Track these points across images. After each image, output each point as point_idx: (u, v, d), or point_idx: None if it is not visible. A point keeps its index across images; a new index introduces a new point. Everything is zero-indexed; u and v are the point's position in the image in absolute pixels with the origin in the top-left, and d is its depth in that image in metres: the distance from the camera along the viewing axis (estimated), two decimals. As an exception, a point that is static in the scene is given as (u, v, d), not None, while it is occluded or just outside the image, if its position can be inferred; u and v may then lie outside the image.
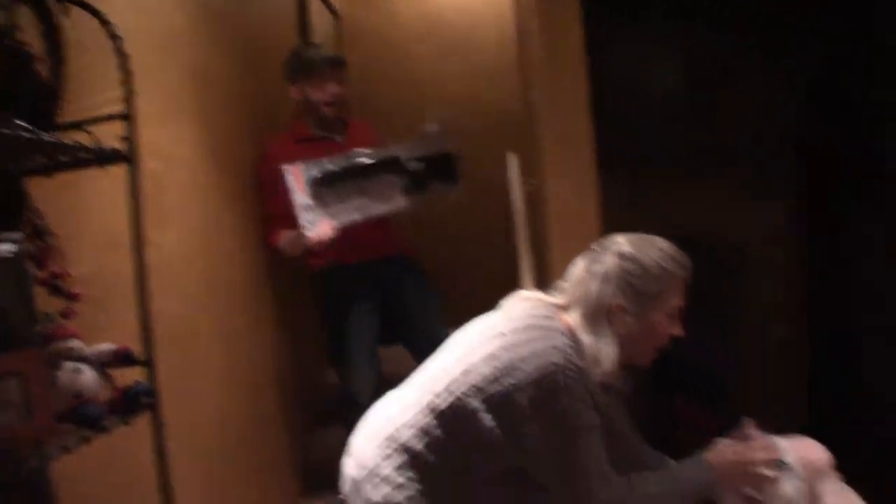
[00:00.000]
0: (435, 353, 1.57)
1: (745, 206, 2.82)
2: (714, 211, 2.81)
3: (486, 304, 1.59)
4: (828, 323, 2.84)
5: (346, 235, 2.39)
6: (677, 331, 1.51)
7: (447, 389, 1.44)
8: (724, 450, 1.49)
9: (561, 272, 1.89)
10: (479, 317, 1.57)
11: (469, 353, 1.46)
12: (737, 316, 2.89)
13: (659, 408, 2.45)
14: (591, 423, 1.41)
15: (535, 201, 2.38)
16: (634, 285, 1.44)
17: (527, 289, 1.67)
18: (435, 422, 1.45)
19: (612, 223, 2.60)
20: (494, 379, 1.39)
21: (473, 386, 1.42)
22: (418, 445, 1.45)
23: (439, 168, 2.42)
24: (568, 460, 1.40)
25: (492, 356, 1.41)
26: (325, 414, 2.96)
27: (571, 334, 1.45)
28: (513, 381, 1.38)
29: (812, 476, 1.45)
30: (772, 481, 1.43)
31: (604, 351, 1.43)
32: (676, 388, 2.67)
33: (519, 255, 2.49)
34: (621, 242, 1.48)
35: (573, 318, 1.47)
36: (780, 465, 1.44)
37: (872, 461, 2.15)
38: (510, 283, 2.49)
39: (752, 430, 1.52)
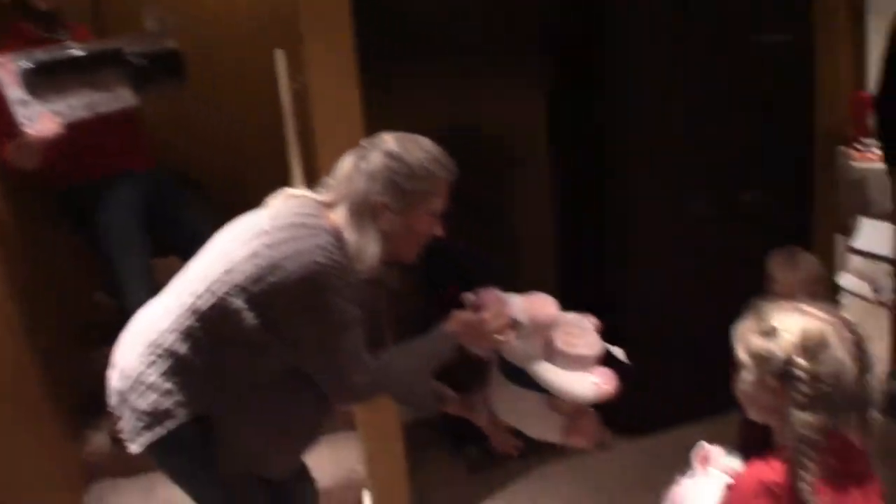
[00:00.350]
0: (197, 255, 1.53)
1: (504, 101, 3.01)
2: (474, 106, 2.97)
3: (258, 207, 1.56)
4: (580, 216, 3.18)
5: (90, 147, 2.29)
6: (439, 230, 1.57)
7: (209, 290, 1.42)
8: (458, 317, 1.58)
9: (327, 170, 1.92)
10: (243, 216, 1.54)
11: (231, 252, 1.43)
12: (498, 209, 3.14)
13: (434, 301, 2.61)
14: (353, 318, 1.46)
15: (302, 99, 2.36)
16: (399, 184, 1.46)
17: (295, 187, 1.65)
18: (198, 324, 1.43)
19: (376, 120, 2.67)
20: (258, 278, 1.38)
21: (236, 285, 1.40)
22: (182, 349, 1.44)
23: (164, 64, 2.39)
24: (330, 353, 1.45)
25: (254, 254, 1.39)
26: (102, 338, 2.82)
27: (336, 232, 1.46)
28: (275, 280, 1.37)
29: (542, 328, 1.60)
30: (505, 338, 1.58)
31: (367, 248, 1.45)
32: (447, 280, 2.87)
33: (289, 155, 2.47)
34: (388, 141, 1.49)
35: (338, 216, 1.48)
36: (513, 323, 1.58)
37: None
38: (282, 185, 2.50)
39: (488, 295, 1.64)
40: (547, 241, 3.28)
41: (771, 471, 1.17)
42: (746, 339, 1.20)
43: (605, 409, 3.08)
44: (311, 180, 2.19)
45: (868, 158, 4.74)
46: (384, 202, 1.47)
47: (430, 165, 1.50)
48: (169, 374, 1.45)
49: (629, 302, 2.84)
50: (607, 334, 1.68)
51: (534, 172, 3.16)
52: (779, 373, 1.14)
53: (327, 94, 1.91)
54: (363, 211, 1.47)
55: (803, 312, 1.16)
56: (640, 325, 2.82)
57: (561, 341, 1.61)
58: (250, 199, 1.55)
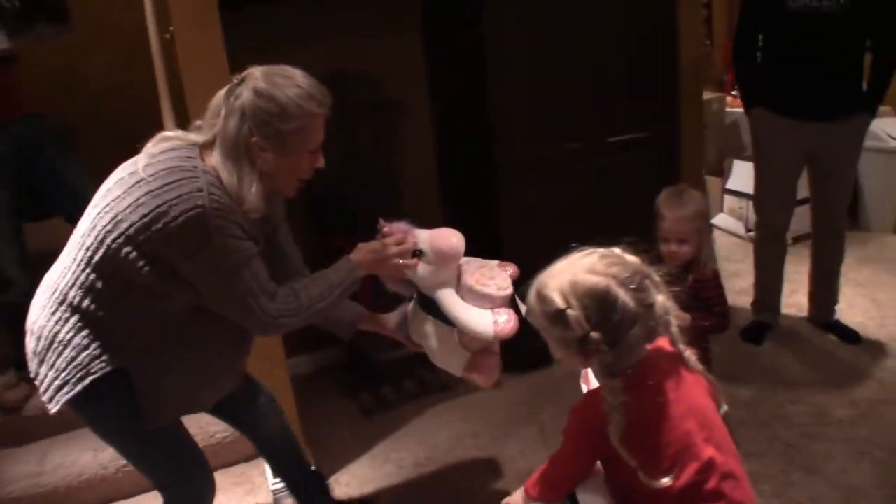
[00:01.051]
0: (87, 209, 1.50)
1: (381, 43, 3.00)
2: (351, 49, 2.94)
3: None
4: (461, 158, 3.23)
5: None
6: (320, 163, 1.55)
7: (99, 241, 1.41)
8: (364, 247, 1.65)
9: (196, 116, 1.89)
10: (123, 163, 1.50)
11: (116, 200, 1.41)
12: (380, 152, 3.15)
13: (323, 247, 2.62)
14: (248, 254, 1.45)
15: (170, 47, 2.28)
16: (271, 123, 1.42)
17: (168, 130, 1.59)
18: (94, 276, 1.42)
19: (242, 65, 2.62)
20: (144, 227, 1.37)
21: (124, 235, 1.38)
22: (86, 303, 1.43)
23: (43, 8, 2.25)
24: (235, 290, 1.45)
25: (138, 204, 1.37)
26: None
27: (215, 172, 1.44)
28: (160, 227, 1.36)
29: (446, 259, 1.66)
30: (409, 267, 1.65)
31: (246, 189, 1.43)
32: (336, 228, 2.90)
33: (160, 103, 2.40)
34: (257, 78, 1.43)
35: (215, 157, 1.45)
36: (417, 253, 1.65)
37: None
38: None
39: (394, 227, 1.71)
40: (431, 183, 3.33)
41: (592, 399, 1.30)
42: (533, 309, 1.29)
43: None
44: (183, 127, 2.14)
45: (739, 104, 5.02)
46: (257, 142, 1.43)
47: (303, 102, 1.44)
48: (80, 329, 1.44)
49: (508, 242, 2.92)
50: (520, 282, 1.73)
51: (414, 114, 3.18)
52: (558, 321, 1.24)
53: (191, 40, 1.87)
54: (238, 151, 1.43)
55: (570, 271, 1.27)
56: (519, 266, 2.92)
57: (473, 279, 1.68)
58: (130, 152, 1.50)
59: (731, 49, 3.05)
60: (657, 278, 1.27)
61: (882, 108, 4.38)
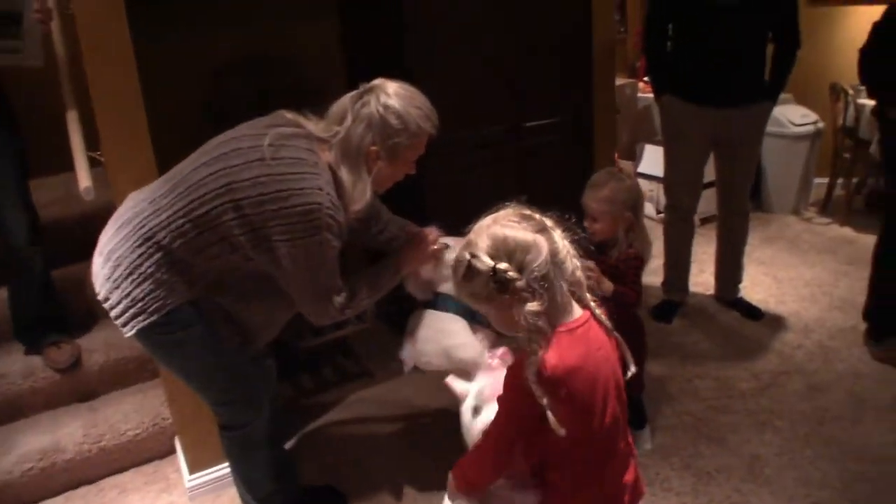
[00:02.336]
0: (193, 160, 1.60)
1: (296, 27, 2.93)
2: (265, 33, 2.87)
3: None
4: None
5: None
6: (412, 171, 1.75)
7: (206, 199, 1.52)
8: (404, 249, 1.93)
9: (100, 103, 1.81)
10: (240, 128, 1.63)
11: (234, 170, 1.52)
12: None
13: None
14: (336, 252, 1.61)
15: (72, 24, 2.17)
16: (393, 137, 1.59)
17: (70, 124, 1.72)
18: (189, 225, 1.53)
19: (164, 53, 2.53)
20: (258, 203, 1.50)
21: (235, 201, 1.51)
22: (174, 245, 1.53)
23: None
24: (316, 281, 1.61)
25: (257, 181, 1.50)
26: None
27: (332, 171, 1.59)
28: (275, 209, 1.49)
29: None
30: (439, 257, 1.95)
31: (362, 190, 1.61)
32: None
33: (62, 84, 2.28)
34: (390, 94, 1.59)
35: (333, 156, 1.60)
36: (445, 246, 1.95)
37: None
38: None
39: (429, 229, 2.00)
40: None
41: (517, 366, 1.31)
42: (464, 276, 1.27)
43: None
44: (85, 110, 2.05)
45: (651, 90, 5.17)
46: (377, 150, 1.60)
47: (423, 123, 1.63)
48: (162, 265, 1.55)
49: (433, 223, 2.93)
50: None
51: (333, 100, 3.13)
52: (492, 282, 1.23)
53: (94, 24, 1.78)
54: (358, 157, 1.59)
55: (496, 226, 1.26)
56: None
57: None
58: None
59: (642, 37, 3.14)
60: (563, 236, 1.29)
61: (783, 96, 4.60)
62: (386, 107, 1.58)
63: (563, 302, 1.27)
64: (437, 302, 2.06)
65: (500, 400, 1.37)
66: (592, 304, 1.33)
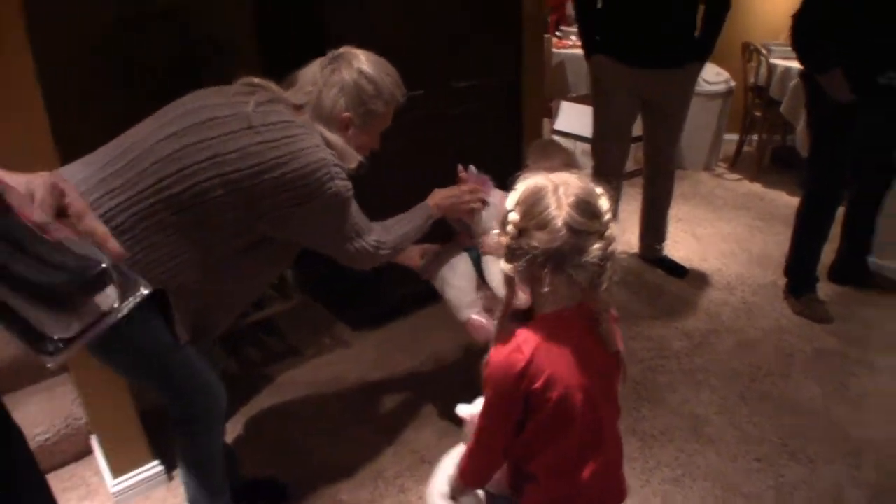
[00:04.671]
0: (154, 131, 1.43)
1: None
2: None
3: None
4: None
5: None
6: (377, 146, 1.71)
7: (184, 175, 1.38)
8: (439, 192, 1.92)
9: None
10: (204, 97, 1.51)
11: (217, 141, 1.40)
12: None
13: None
14: (351, 192, 1.56)
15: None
16: (367, 103, 1.58)
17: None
18: (162, 205, 1.38)
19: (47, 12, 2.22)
20: (254, 174, 1.41)
21: (224, 176, 1.40)
22: (139, 227, 1.37)
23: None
24: (345, 226, 1.60)
25: (248, 151, 1.41)
26: None
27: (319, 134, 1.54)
28: (275, 176, 1.42)
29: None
30: (476, 211, 1.95)
31: (350, 154, 1.58)
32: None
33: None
34: (362, 60, 1.58)
35: (307, 120, 1.56)
36: (484, 202, 1.95)
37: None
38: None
39: (470, 174, 2.00)
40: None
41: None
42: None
43: (343, 308, 3.07)
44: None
45: (565, 45, 5.13)
46: (349, 117, 1.58)
47: (395, 90, 1.63)
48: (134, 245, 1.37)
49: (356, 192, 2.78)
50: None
51: (238, 57, 2.87)
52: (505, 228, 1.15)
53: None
54: (329, 122, 1.56)
55: (531, 175, 1.17)
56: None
57: None
58: None
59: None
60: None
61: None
62: (360, 72, 1.57)
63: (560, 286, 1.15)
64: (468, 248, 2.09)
65: (486, 387, 1.27)
66: (604, 316, 1.19)
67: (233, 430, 2.42)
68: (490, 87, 2.98)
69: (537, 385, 1.15)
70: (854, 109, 2.57)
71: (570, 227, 1.08)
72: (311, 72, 1.60)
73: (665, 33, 2.84)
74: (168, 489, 2.12)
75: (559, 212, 1.08)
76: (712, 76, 4.40)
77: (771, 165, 4.57)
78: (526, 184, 1.15)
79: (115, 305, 0.76)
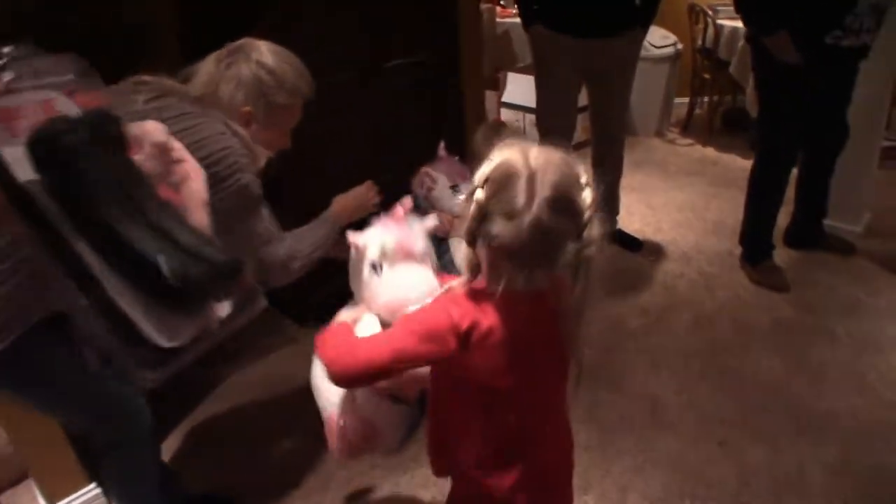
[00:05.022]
0: None
1: None
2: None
3: None
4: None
5: None
6: (287, 145, 1.61)
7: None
8: (339, 200, 1.79)
9: None
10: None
11: None
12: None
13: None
14: (261, 189, 1.49)
15: None
16: (268, 97, 1.48)
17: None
18: None
19: None
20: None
21: None
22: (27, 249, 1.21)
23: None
24: (256, 231, 1.52)
25: None
26: None
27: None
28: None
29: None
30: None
31: (255, 147, 1.47)
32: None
33: None
34: (262, 52, 1.48)
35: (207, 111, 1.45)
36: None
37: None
38: None
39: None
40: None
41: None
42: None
43: (287, 302, 2.91)
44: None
45: (509, 14, 4.96)
46: (249, 112, 1.48)
47: (298, 81, 1.52)
48: (13, 277, 1.21)
49: (287, 186, 2.60)
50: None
51: (160, 43, 2.66)
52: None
53: None
54: (230, 118, 1.45)
55: (508, 148, 1.03)
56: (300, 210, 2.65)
57: None
58: None
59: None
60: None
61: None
62: (258, 63, 1.48)
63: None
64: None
65: (412, 318, 1.11)
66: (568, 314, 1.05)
67: (174, 443, 2.27)
68: (424, 65, 2.81)
69: (474, 337, 1.04)
70: (801, 70, 2.47)
71: (540, 227, 0.95)
72: (207, 67, 1.50)
73: (604, 0, 2.69)
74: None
75: (530, 206, 0.95)
76: (659, 39, 4.29)
77: (723, 128, 4.49)
78: (501, 158, 1.00)
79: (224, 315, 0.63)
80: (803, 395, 2.27)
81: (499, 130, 2.03)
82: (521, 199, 0.95)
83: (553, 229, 0.95)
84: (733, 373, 2.40)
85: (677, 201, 3.68)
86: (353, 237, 1.50)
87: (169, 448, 2.24)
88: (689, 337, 2.60)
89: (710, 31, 4.12)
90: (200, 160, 1.31)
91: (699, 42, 4.25)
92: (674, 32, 4.38)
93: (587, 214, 0.97)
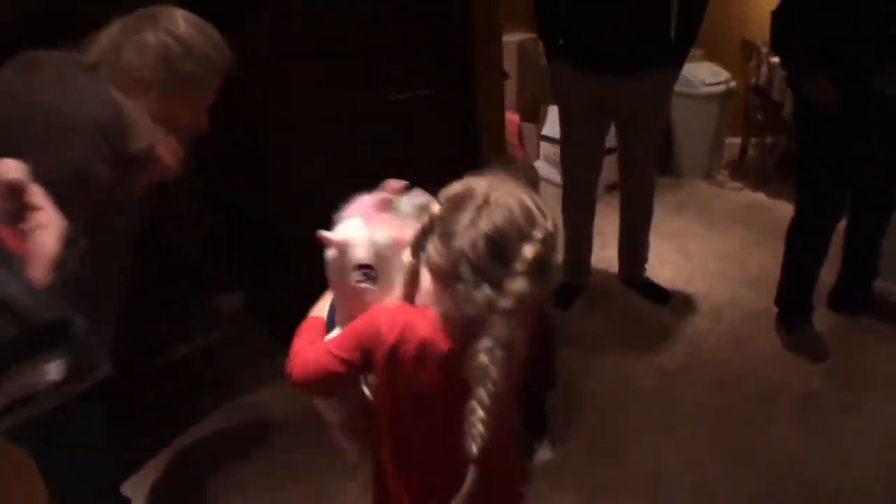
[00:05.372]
0: None
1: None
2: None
3: None
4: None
5: None
6: (201, 127, 1.43)
7: None
8: None
9: None
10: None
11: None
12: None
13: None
14: (99, 182, 1.19)
15: None
16: (173, 63, 1.32)
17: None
18: None
19: None
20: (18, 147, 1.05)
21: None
22: None
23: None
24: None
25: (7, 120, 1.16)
26: None
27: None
28: (32, 138, 1.12)
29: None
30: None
31: (143, 125, 1.28)
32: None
33: None
34: (176, 20, 1.34)
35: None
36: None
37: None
38: None
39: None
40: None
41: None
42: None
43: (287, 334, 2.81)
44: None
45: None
46: (149, 76, 1.32)
47: (210, 51, 1.36)
48: None
49: (284, 227, 2.52)
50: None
51: None
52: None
53: None
54: (125, 84, 1.30)
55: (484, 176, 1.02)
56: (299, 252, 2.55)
57: None
58: None
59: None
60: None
61: (694, 52, 4.31)
62: (166, 31, 1.33)
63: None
64: None
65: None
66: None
67: (146, 476, 2.21)
68: (438, 98, 2.66)
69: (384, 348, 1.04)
70: (843, 116, 2.22)
71: (463, 258, 0.93)
72: (111, 32, 1.35)
73: (633, 34, 2.45)
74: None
75: (466, 233, 0.93)
76: (709, 76, 4.04)
77: (776, 172, 4.18)
78: (470, 182, 1.00)
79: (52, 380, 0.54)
80: (822, 480, 2.00)
81: (510, 168, 1.85)
82: (460, 225, 0.94)
83: (474, 265, 0.93)
84: (748, 448, 2.14)
85: (716, 250, 3.42)
86: (330, 235, 1.16)
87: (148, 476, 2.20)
88: (705, 403, 2.36)
89: (764, 68, 3.85)
90: (51, 128, 1.16)
91: (752, 80, 3.98)
92: (726, 69, 4.12)
93: (517, 267, 0.91)
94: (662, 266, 3.27)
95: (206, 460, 2.27)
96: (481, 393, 0.92)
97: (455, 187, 0.99)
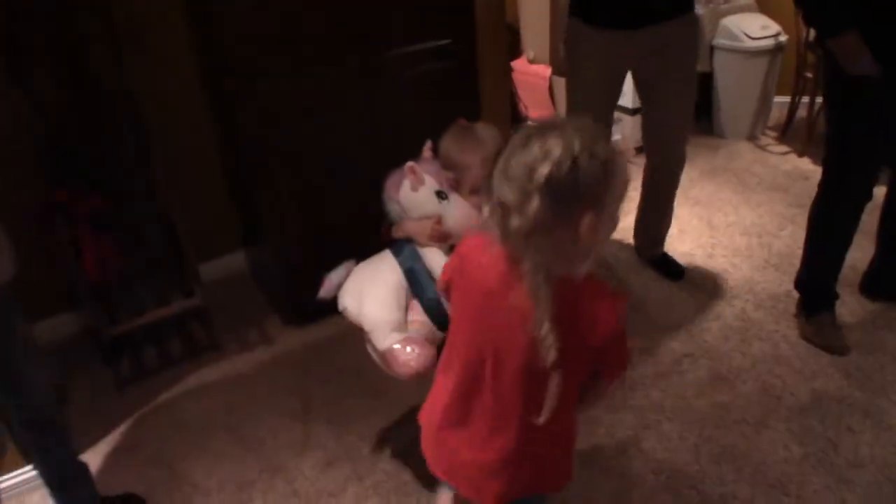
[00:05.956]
0: None
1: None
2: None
3: None
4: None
5: None
6: None
7: None
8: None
9: None
10: None
11: None
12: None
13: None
14: None
15: None
16: None
17: None
18: None
19: None
20: None
21: None
22: None
23: None
24: None
25: None
26: None
27: None
28: None
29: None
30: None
31: None
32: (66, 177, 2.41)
33: None
34: None
35: None
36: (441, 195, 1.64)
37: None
38: None
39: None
40: (190, 130, 2.73)
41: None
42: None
43: (280, 298, 2.73)
44: None
45: None
46: None
47: None
48: None
49: (282, 190, 2.41)
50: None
51: (166, 45, 2.53)
52: None
53: None
54: None
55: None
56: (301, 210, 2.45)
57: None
58: None
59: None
60: None
61: (745, 1, 3.91)
62: None
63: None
64: (399, 245, 1.70)
65: None
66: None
67: (112, 441, 2.22)
68: (437, 53, 2.47)
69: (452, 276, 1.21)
70: (878, 85, 1.93)
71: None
72: None
73: None
74: (43, 495, 1.91)
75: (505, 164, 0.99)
76: (757, 29, 3.66)
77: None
78: (539, 123, 1.02)
79: None
80: (815, 500, 1.81)
81: (476, 131, 1.67)
82: (515, 160, 0.98)
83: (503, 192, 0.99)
84: (736, 454, 1.96)
85: (745, 222, 3.13)
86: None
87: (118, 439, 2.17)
88: (697, 399, 2.17)
89: (818, 21, 3.45)
90: None
91: (805, 33, 3.58)
92: (777, 21, 3.73)
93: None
94: (683, 236, 3.02)
95: (171, 427, 2.25)
96: (539, 313, 1.00)
97: (528, 128, 1.02)
